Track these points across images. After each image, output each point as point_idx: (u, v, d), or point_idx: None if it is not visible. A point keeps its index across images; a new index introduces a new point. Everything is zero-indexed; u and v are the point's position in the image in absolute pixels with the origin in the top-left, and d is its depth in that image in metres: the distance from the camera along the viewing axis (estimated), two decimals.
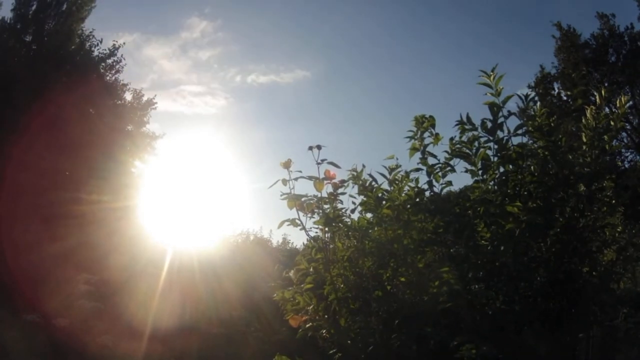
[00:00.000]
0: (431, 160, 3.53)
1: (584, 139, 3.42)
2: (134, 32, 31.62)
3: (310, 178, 3.45)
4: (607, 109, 3.67)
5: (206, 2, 34.55)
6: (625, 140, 17.80)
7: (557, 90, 18.91)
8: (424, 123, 3.54)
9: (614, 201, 3.39)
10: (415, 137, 3.58)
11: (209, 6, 33.73)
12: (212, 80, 35.27)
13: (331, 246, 3.69)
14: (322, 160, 3.42)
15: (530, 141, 3.54)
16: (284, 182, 3.47)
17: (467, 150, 3.39)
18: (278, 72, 34.91)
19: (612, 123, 3.39)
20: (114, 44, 18.93)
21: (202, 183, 17.83)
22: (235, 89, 33.95)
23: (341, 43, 35.94)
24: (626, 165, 17.16)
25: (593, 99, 3.52)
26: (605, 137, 3.38)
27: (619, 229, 3.50)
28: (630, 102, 17.70)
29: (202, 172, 19.26)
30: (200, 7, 36.96)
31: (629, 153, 18.16)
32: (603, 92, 3.48)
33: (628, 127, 17.75)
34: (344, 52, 36.48)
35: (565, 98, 17.66)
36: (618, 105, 3.43)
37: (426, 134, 3.56)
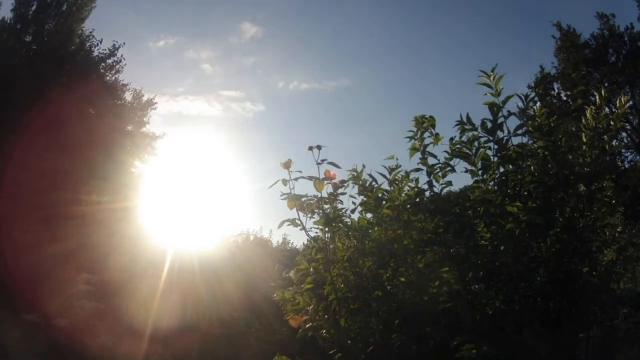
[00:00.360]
0: (431, 161, 3.53)
1: (584, 139, 3.42)
2: (176, 35, 30.77)
3: (310, 178, 3.45)
4: (607, 109, 3.66)
5: (262, 8, 33.06)
6: (625, 140, 17.79)
7: (557, 91, 18.92)
8: (424, 123, 3.54)
9: (613, 201, 3.39)
10: (416, 137, 3.57)
11: (264, 12, 32.74)
12: (254, 86, 34.62)
13: (331, 246, 3.68)
14: (322, 161, 3.42)
15: (530, 141, 3.54)
16: (284, 182, 3.47)
17: (467, 151, 3.39)
18: (321, 80, 34.56)
19: (612, 123, 3.39)
20: (114, 44, 18.95)
21: (208, 185, 17.86)
22: (276, 96, 33.35)
23: (345, 44, 35.97)
24: (626, 165, 17.14)
25: (593, 99, 3.52)
26: (605, 137, 3.38)
27: (618, 229, 3.49)
28: (630, 102, 17.69)
29: (211, 174, 19.27)
30: (254, 13, 35.26)
31: (629, 153, 18.16)
32: (603, 92, 3.48)
33: (628, 127, 17.75)
34: (348, 54, 36.52)
35: (565, 98, 17.66)
36: (618, 105, 3.42)
37: (426, 134, 3.56)
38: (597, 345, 3.83)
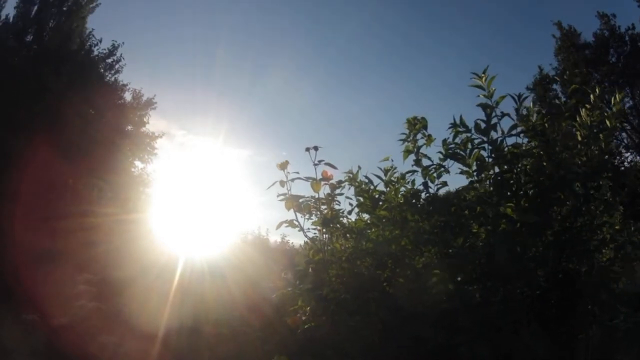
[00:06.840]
0: (425, 162, 3.52)
1: (579, 138, 3.41)
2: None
3: (307, 179, 3.46)
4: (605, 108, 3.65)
5: None
6: (625, 141, 17.76)
7: (556, 91, 18.87)
8: (416, 125, 3.53)
9: (611, 200, 3.38)
10: (409, 139, 3.57)
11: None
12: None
13: (329, 247, 3.69)
14: (320, 161, 3.43)
15: (525, 141, 3.53)
16: (282, 183, 3.48)
17: (461, 152, 3.38)
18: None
19: (607, 122, 3.38)
20: (113, 44, 18.96)
21: (208, 187, 17.83)
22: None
23: (340, 42, 36.05)
24: (626, 166, 17.09)
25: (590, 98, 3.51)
26: (601, 135, 3.37)
27: (616, 227, 3.48)
28: (630, 103, 17.67)
29: (210, 178, 19.25)
30: None
31: (628, 153, 18.12)
32: (597, 90, 3.47)
33: (628, 127, 17.71)
34: (342, 52, 36.59)
35: (564, 99, 17.61)
36: (613, 103, 3.42)
37: (419, 136, 3.55)
38: (596, 345, 3.82)
